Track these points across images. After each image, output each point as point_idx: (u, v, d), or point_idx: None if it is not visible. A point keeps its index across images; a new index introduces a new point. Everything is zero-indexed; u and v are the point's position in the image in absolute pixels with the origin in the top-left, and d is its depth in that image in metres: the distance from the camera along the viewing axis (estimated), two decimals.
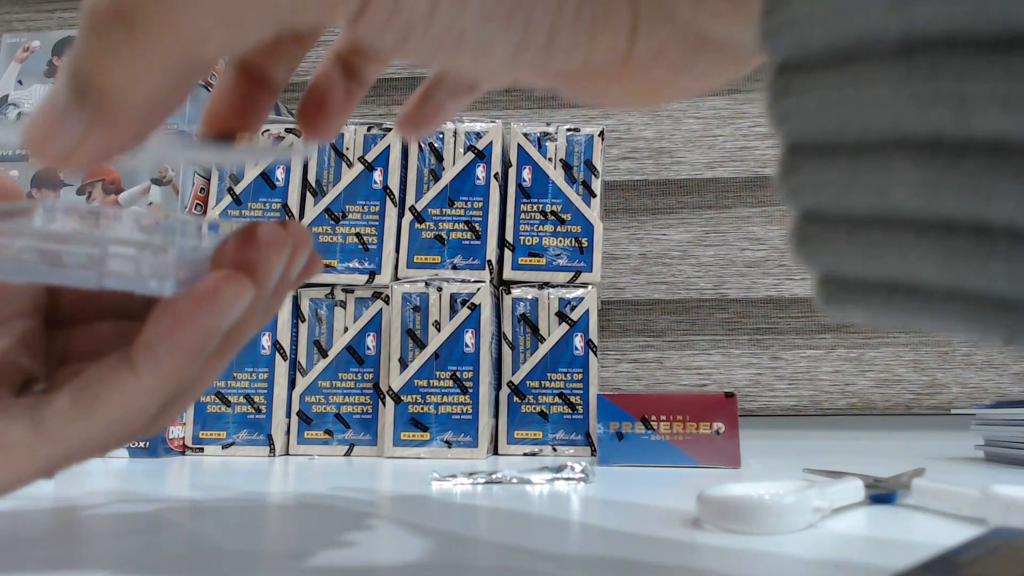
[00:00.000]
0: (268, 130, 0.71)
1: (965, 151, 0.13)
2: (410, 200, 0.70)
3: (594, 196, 0.70)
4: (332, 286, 0.69)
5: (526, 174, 0.71)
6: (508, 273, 0.69)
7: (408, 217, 0.69)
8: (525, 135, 0.72)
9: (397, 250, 0.69)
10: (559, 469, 0.46)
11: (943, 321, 0.14)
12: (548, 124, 0.72)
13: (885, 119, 0.13)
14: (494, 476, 0.44)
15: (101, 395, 0.20)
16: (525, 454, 0.65)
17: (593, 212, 0.70)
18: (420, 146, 0.71)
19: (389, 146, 0.71)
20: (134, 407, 0.20)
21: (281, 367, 0.66)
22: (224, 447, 0.65)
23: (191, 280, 0.20)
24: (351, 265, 0.68)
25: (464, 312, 0.65)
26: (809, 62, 0.15)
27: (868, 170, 0.14)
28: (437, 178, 0.70)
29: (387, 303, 0.67)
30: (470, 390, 0.64)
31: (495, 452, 0.66)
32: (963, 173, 0.13)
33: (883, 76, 0.13)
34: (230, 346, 0.23)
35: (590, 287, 0.68)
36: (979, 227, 0.13)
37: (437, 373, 0.64)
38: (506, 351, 0.67)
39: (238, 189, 0.70)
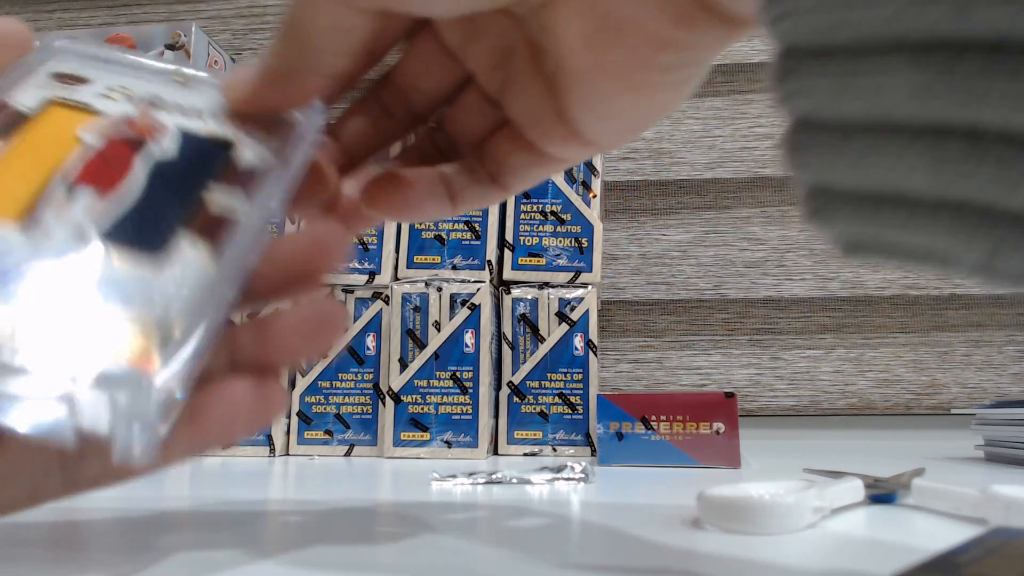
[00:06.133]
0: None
1: (963, 51, 0.12)
2: None
3: (594, 196, 0.70)
4: (332, 286, 0.69)
5: None
6: (508, 273, 0.69)
7: None
8: None
9: (397, 250, 0.69)
10: (559, 469, 0.46)
11: (927, 233, 0.14)
12: None
13: (881, 17, 0.13)
14: (494, 476, 0.44)
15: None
16: (525, 454, 0.65)
17: (593, 212, 0.70)
18: None
19: None
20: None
21: None
22: (224, 447, 0.65)
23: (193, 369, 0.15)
24: (351, 265, 0.68)
25: (464, 312, 0.65)
26: None
27: (863, 73, 0.14)
28: None
29: (387, 303, 0.67)
30: (470, 390, 0.64)
31: (495, 452, 0.66)
32: (959, 73, 0.12)
33: None
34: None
35: (590, 287, 0.68)
36: (972, 132, 0.13)
37: (437, 373, 0.64)
38: (506, 351, 0.67)
39: None
